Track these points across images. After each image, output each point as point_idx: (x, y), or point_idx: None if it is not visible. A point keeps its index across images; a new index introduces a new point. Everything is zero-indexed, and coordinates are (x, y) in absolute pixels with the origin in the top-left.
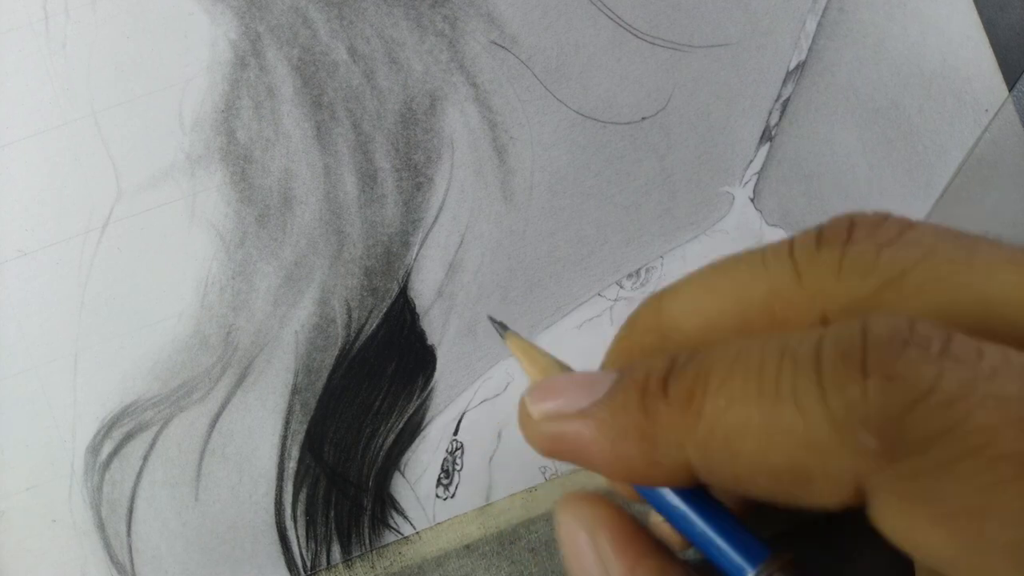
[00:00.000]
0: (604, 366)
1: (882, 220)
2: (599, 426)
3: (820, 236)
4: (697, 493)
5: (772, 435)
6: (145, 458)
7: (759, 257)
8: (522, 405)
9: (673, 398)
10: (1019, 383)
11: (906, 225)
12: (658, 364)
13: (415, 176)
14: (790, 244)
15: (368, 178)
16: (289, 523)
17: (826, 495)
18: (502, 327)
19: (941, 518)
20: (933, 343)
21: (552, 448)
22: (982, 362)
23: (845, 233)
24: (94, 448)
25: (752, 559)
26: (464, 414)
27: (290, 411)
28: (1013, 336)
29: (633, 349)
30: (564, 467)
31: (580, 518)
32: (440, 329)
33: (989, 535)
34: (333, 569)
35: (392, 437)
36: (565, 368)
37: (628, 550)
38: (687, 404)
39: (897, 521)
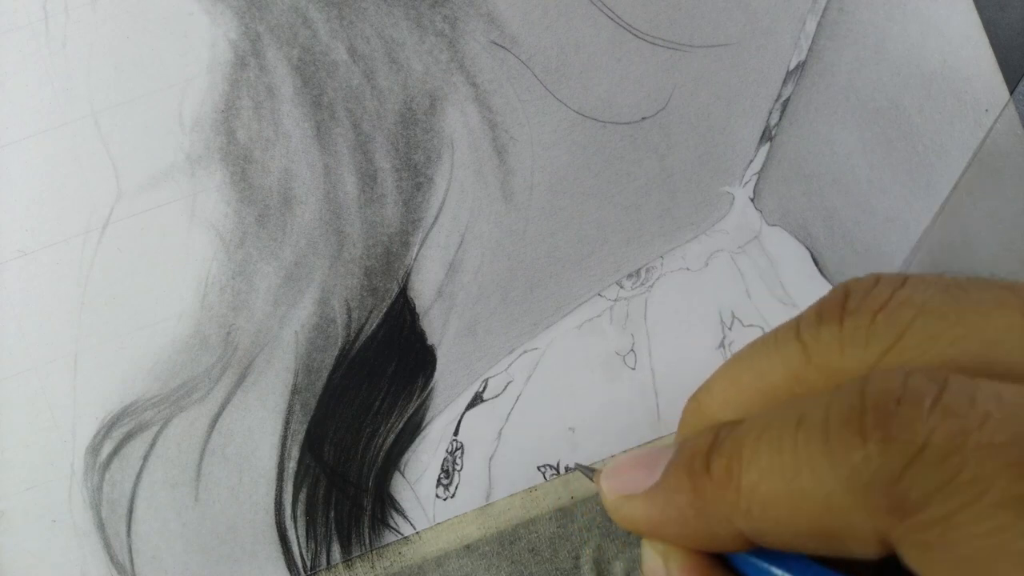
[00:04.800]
0: None
1: (873, 284)
2: (662, 508)
3: (820, 312)
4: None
5: (798, 502)
6: (145, 458)
7: (772, 342)
8: (600, 486)
9: (715, 476)
10: (1009, 428)
11: (897, 285)
12: (701, 442)
13: (415, 176)
14: (797, 324)
15: (368, 178)
16: (289, 523)
17: (859, 550)
18: (589, 471)
19: (956, 565)
20: (925, 398)
21: (630, 527)
22: (974, 410)
23: (841, 305)
24: (94, 448)
25: None
26: (464, 414)
27: (290, 411)
28: (1012, 374)
29: None
30: (564, 467)
31: (658, 549)
32: (440, 329)
33: None
34: (333, 569)
35: (392, 437)
36: None
37: None
38: (727, 481)
39: (923, 570)
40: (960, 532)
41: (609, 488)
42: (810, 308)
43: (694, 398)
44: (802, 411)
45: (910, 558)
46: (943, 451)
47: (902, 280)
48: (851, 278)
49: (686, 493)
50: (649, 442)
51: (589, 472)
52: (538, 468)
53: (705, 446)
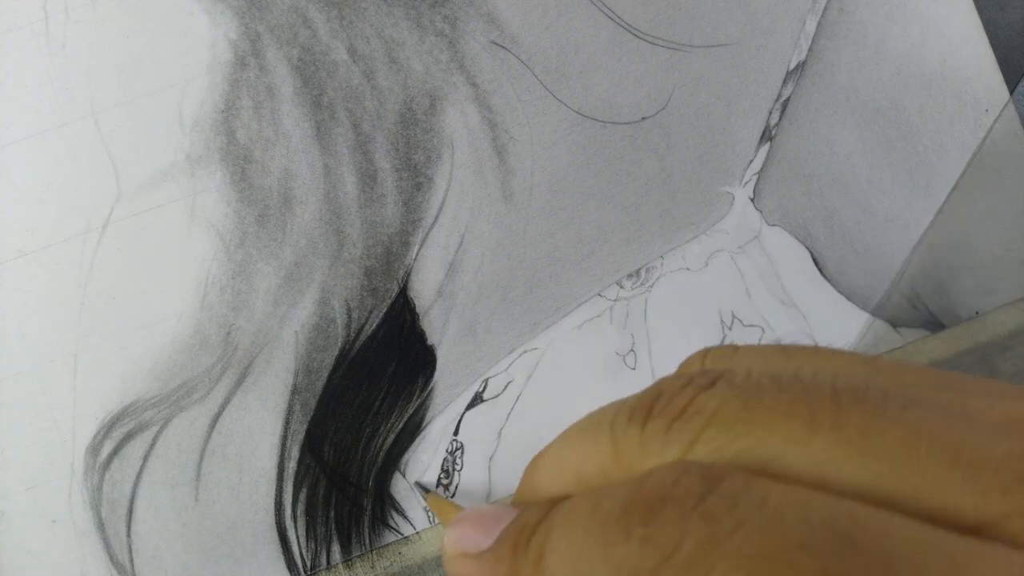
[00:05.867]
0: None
1: (684, 385)
2: (484, 573)
3: (632, 410)
4: None
5: None
6: (145, 458)
7: (594, 428)
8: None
9: (529, 554)
10: (759, 539)
11: (703, 387)
12: (532, 517)
13: (415, 176)
14: (614, 416)
15: (368, 178)
16: (289, 523)
17: None
18: (424, 489)
19: None
20: (689, 498)
21: None
22: (731, 515)
23: (649, 406)
24: (94, 448)
25: None
26: (464, 414)
27: (290, 411)
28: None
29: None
30: None
31: None
32: (440, 329)
33: None
34: (333, 569)
35: (392, 437)
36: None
37: None
38: (538, 560)
39: None
40: None
41: (451, 540)
42: (632, 398)
43: (533, 462)
44: (598, 500)
45: None
46: (692, 557)
47: (712, 380)
48: (667, 376)
49: (505, 565)
50: None
51: (423, 492)
52: None
53: (534, 521)
